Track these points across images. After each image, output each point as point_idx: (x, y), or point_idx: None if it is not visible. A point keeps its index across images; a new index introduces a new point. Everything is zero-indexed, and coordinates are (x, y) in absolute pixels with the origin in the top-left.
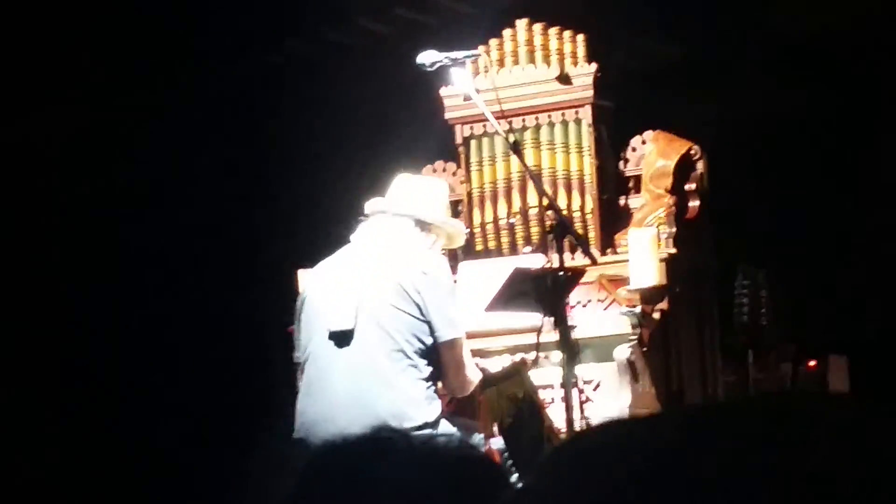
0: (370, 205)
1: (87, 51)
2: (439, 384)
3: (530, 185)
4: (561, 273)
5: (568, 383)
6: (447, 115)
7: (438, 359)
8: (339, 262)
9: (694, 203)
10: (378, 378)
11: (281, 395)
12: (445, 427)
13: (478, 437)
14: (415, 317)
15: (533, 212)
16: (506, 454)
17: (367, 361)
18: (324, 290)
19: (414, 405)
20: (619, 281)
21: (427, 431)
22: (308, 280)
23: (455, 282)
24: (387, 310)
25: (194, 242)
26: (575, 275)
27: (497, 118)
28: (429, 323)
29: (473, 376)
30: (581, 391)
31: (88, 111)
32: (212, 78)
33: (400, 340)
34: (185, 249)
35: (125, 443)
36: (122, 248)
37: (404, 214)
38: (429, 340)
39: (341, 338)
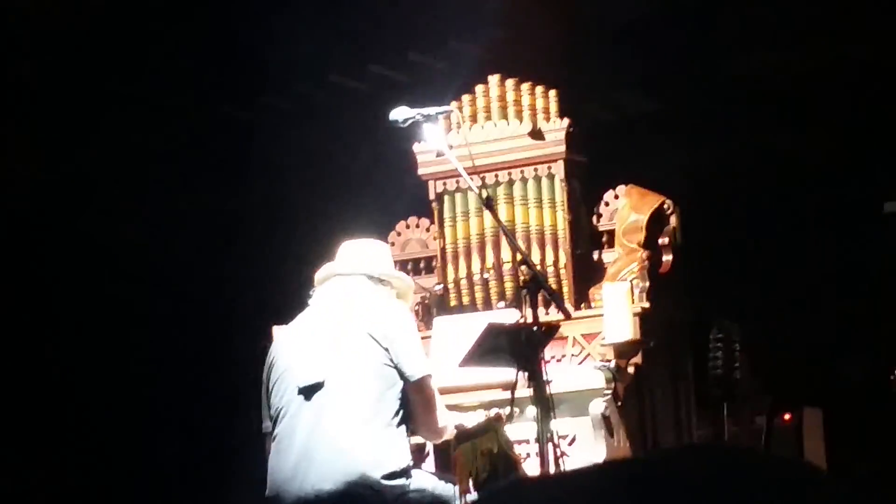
0: (321, 272)
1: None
2: (410, 438)
3: (504, 241)
4: (535, 328)
5: (543, 438)
6: (420, 171)
7: (408, 401)
8: (302, 323)
9: (667, 257)
10: (349, 430)
11: (251, 454)
12: (419, 480)
13: (453, 492)
14: (384, 364)
15: (507, 267)
16: None
17: (338, 415)
18: (290, 350)
19: (385, 454)
20: (594, 335)
21: (399, 482)
22: (274, 344)
23: (429, 338)
24: (356, 360)
25: (162, 296)
26: (549, 330)
27: (470, 174)
28: (397, 367)
29: (445, 419)
30: (556, 446)
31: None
32: (183, 132)
33: (370, 390)
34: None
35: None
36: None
37: (356, 273)
38: (398, 387)
39: (311, 392)
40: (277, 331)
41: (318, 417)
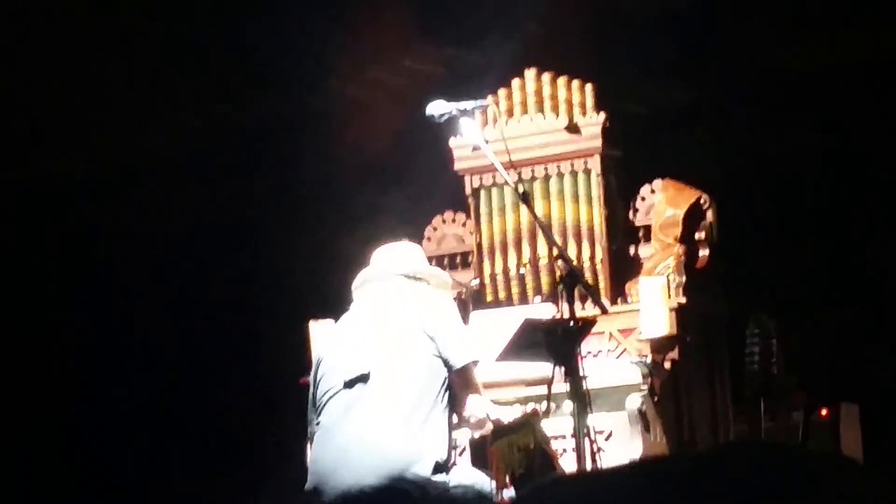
0: (357, 279)
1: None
2: (453, 433)
3: (540, 236)
4: (571, 323)
5: (580, 433)
6: (456, 166)
7: (453, 389)
8: (346, 323)
9: (704, 252)
10: (392, 424)
11: (290, 448)
12: (459, 476)
13: (491, 487)
14: (432, 355)
15: (543, 262)
16: None
17: (382, 408)
18: (335, 348)
19: (428, 448)
20: (630, 331)
21: (441, 477)
22: (322, 342)
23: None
24: (401, 352)
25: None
26: (586, 325)
27: (506, 168)
28: (442, 356)
29: (488, 408)
30: (593, 441)
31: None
32: (228, 126)
33: (415, 382)
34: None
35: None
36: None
37: (392, 274)
38: (443, 378)
39: (355, 384)
40: (314, 325)
41: (362, 410)
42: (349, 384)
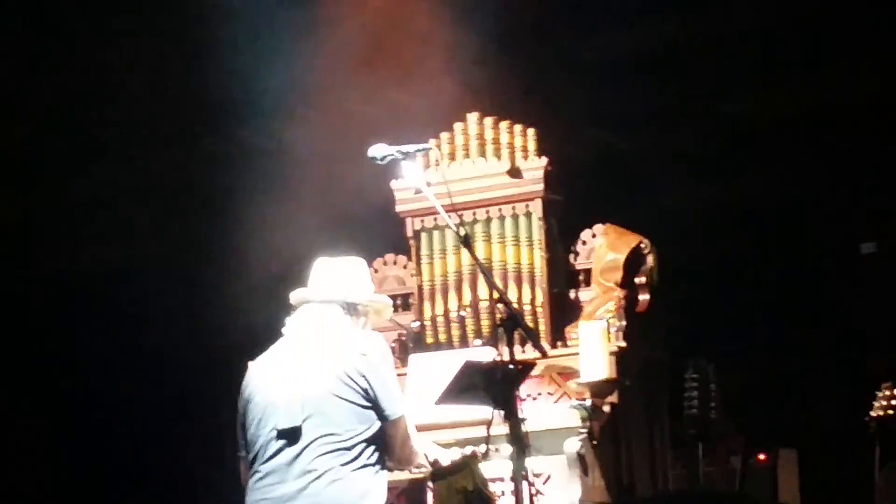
0: (295, 295)
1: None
2: (385, 472)
3: (481, 279)
4: (511, 366)
5: (518, 476)
6: (398, 208)
7: (385, 436)
8: (277, 357)
9: (644, 297)
10: (326, 473)
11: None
12: None
13: None
14: (360, 405)
15: (483, 305)
16: None
17: (315, 457)
18: (266, 388)
19: (365, 495)
20: (570, 374)
21: None
22: (248, 377)
23: (406, 375)
24: (332, 401)
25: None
26: (525, 368)
27: (448, 211)
28: (375, 404)
29: (419, 447)
30: (531, 484)
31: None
32: (160, 166)
33: (346, 431)
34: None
35: None
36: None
37: (331, 300)
38: (375, 425)
39: (289, 435)
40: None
41: (295, 460)
42: (284, 435)
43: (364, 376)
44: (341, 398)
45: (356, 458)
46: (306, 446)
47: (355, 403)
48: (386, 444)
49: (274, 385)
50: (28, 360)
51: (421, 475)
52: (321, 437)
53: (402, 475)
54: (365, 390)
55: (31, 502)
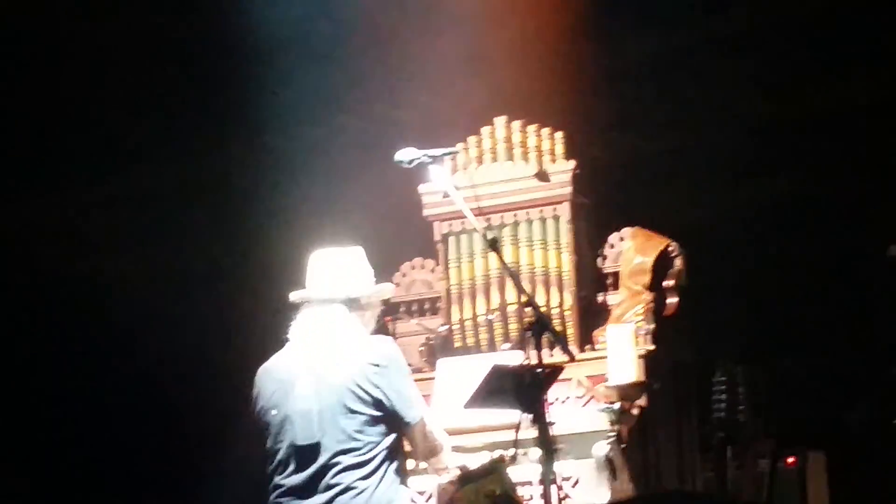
0: (296, 295)
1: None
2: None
3: (509, 282)
4: (539, 370)
5: (546, 480)
6: (426, 212)
7: (407, 438)
8: (287, 367)
9: (672, 299)
10: (349, 487)
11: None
12: None
13: None
14: (375, 416)
15: (511, 309)
16: None
17: (337, 472)
18: (279, 402)
19: (395, 500)
20: (598, 377)
21: None
22: (259, 387)
23: (433, 379)
24: (347, 415)
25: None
26: (553, 371)
27: (475, 215)
28: (392, 413)
29: (443, 439)
30: (559, 488)
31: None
32: (182, 173)
33: (365, 444)
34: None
35: None
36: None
37: (333, 299)
38: (393, 434)
39: (308, 451)
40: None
41: (320, 477)
42: (303, 451)
43: (378, 387)
44: (356, 411)
45: (377, 469)
46: (327, 461)
47: (370, 415)
48: (410, 444)
49: (287, 399)
50: (28, 367)
51: (448, 482)
52: (341, 451)
53: (431, 479)
54: (380, 400)
55: None
